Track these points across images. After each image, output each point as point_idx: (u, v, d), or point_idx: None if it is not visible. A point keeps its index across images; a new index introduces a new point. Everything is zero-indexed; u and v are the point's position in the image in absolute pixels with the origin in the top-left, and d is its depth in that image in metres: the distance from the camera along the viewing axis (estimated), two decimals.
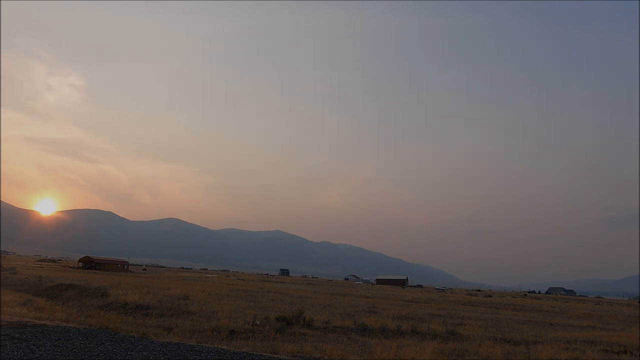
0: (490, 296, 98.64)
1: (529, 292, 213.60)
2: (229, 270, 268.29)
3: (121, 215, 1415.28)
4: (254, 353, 11.55)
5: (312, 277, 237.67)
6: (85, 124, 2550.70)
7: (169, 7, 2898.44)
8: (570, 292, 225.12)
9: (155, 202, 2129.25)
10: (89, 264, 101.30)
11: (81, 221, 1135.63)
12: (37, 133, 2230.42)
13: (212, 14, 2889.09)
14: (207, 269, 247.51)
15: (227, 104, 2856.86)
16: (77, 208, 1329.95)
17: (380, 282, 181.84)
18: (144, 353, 10.33)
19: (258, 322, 18.99)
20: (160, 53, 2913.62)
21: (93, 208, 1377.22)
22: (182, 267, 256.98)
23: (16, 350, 9.61)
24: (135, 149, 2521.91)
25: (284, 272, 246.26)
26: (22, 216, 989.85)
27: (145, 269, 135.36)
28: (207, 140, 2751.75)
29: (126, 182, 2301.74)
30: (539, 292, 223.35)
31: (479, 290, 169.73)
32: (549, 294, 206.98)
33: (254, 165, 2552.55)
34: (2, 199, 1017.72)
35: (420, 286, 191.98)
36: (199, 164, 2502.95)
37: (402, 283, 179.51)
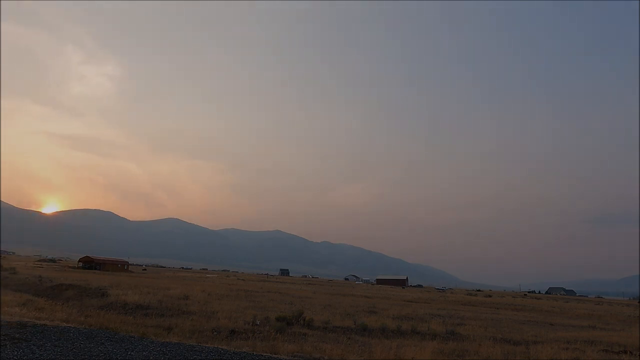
0: (490, 296, 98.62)
1: (529, 292, 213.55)
2: (229, 270, 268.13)
3: (121, 215, 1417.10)
4: (254, 353, 11.54)
5: (312, 277, 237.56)
6: (111, 118, 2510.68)
7: (213, 5, 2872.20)
8: (570, 292, 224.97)
9: (171, 201, 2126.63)
10: (89, 264, 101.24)
11: (81, 221, 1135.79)
12: (59, 128, 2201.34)
13: (252, 12, 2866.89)
14: (207, 269, 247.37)
15: (248, 102, 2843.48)
16: (77, 208, 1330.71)
17: (380, 282, 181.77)
18: (144, 353, 10.32)
19: (258, 322, 18.99)
20: (199, 47, 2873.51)
21: (93, 208, 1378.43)
22: (182, 267, 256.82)
23: (16, 350, 9.60)
24: (158, 145, 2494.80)
25: (284, 272, 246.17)
26: (22, 216, 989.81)
27: (145, 269, 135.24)
28: (229, 139, 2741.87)
29: (144, 180, 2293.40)
30: (539, 292, 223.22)
31: (479, 290, 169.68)
32: (549, 294, 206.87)
33: (265, 165, 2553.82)
34: (3, 199, 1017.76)
35: (420, 286, 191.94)
36: (220, 162, 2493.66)
37: (402, 283, 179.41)
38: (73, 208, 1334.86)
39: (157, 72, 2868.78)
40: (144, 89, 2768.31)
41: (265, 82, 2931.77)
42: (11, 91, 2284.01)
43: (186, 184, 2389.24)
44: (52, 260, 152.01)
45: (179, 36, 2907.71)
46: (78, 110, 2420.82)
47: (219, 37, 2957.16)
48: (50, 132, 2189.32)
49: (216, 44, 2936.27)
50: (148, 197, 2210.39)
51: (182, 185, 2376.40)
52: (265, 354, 11.51)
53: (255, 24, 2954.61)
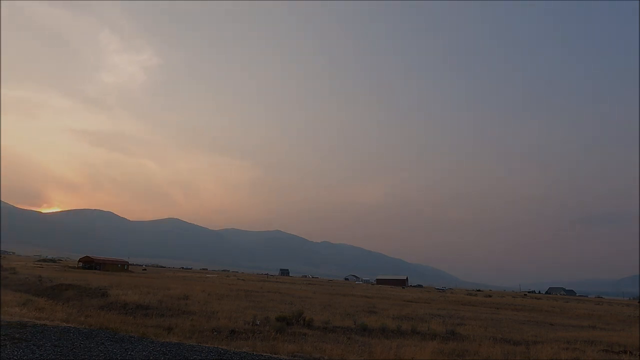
0: (490, 296, 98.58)
1: (529, 292, 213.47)
2: (229, 270, 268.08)
3: (121, 215, 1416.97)
4: (254, 353, 11.54)
5: (312, 277, 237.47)
6: (137, 112, 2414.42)
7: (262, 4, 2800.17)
8: (570, 292, 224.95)
9: (188, 200, 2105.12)
10: (89, 264, 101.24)
11: (81, 221, 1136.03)
12: (82, 123, 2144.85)
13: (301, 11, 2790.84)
14: (207, 269, 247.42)
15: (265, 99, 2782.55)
16: (77, 208, 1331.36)
17: (380, 282, 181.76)
18: (144, 353, 10.32)
19: (258, 322, 18.99)
20: (238, 42, 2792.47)
21: (93, 208, 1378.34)
22: (182, 267, 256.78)
23: (16, 350, 9.60)
24: (181, 142, 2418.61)
25: (284, 272, 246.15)
26: (22, 216, 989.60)
27: (145, 269, 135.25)
28: (246, 136, 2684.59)
29: (162, 178, 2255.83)
30: (539, 292, 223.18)
31: (479, 290, 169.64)
32: (549, 294, 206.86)
33: (269, 163, 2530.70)
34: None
35: (420, 286, 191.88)
36: (244, 160, 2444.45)
37: (402, 283, 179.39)
38: (73, 208, 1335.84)
39: (193, 65, 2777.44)
40: (177, 82, 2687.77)
41: (265, 80, 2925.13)
42: (36, 80, 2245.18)
43: (204, 182, 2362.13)
44: (52, 260, 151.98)
45: (220, 30, 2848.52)
46: (104, 103, 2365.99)
47: (258, 36, 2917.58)
48: (72, 128, 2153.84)
49: (252, 43, 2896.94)
50: (162, 196, 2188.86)
51: (199, 184, 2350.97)
52: (265, 354, 11.52)
53: (286, 23, 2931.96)
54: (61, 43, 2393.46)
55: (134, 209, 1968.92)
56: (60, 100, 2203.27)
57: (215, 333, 15.92)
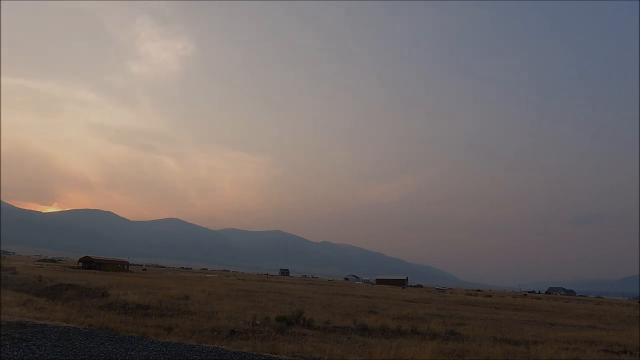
0: (490, 296, 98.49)
1: (529, 292, 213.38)
2: (229, 270, 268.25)
3: (121, 215, 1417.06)
4: (254, 353, 11.55)
5: (312, 277, 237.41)
6: (162, 105, 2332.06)
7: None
8: (570, 292, 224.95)
9: (202, 200, 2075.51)
10: (89, 264, 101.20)
11: (81, 221, 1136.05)
12: (103, 118, 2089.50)
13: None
14: (207, 269, 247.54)
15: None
16: (77, 208, 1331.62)
17: (380, 282, 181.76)
18: (144, 353, 10.33)
19: (258, 322, 18.99)
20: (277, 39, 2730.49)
21: (93, 208, 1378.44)
22: (182, 267, 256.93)
23: (16, 350, 9.61)
24: (202, 138, 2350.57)
25: (284, 272, 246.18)
26: (22, 216, 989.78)
27: (145, 269, 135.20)
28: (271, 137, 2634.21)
29: (180, 175, 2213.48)
30: (539, 292, 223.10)
31: (479, 290, 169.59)
32: (549, 294, 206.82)
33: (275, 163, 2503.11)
34: (2, 199, 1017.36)
35: (420, 286, 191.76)
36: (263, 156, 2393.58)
37: (402, 283, 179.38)
38: (73, 208, 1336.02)
39: (230, 58, 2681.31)
40: (211, 75, 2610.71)
41: (267, 79, 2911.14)
42: (62, 72, 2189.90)
43: (220, 180, 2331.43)
44: (53, 260, 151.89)
45: (264, 25, 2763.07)
46: (130, 96, 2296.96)
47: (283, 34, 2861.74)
48: (93, 123, 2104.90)
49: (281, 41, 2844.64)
50: (173, 195, 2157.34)
51: (215, 182, 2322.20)
52: (265, 354, 11.52)
53: (308, 24, 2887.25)
54: (97, 30, 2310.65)
55: (135, 208, 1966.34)
56: (85, 94, 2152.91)
57: (215, 333, 15.92)
